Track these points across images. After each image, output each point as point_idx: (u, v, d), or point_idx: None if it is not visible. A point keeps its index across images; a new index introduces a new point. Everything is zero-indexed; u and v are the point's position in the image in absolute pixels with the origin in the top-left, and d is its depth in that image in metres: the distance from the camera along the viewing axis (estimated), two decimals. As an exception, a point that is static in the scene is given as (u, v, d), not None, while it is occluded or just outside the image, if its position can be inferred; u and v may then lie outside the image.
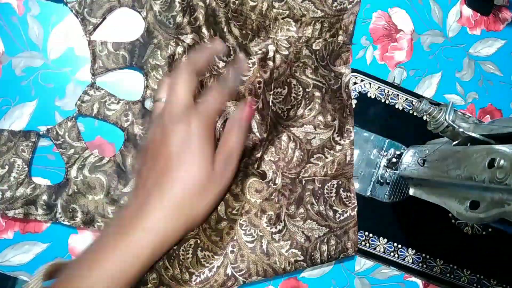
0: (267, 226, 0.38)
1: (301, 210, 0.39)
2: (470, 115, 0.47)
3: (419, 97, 0.45)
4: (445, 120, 0.32)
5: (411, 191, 0.39)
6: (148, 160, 0.32)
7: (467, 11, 0.48)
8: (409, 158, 0.39)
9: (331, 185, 0.41)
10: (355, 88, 0.44)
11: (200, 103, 0.32)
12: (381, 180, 0.43)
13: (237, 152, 0.34)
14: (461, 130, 0.31)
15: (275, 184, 0.39)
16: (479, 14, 0.48)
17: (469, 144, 0.31)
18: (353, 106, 0.44)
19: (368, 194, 0.43)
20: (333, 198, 0.40)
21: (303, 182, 0.40)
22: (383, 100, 0.45)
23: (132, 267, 0.29)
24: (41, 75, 0.40)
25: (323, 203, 0.40)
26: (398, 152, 0.43)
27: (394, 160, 0.43)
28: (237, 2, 0.41)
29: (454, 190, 0.30)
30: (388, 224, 0.43)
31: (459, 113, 0.32)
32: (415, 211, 0.43)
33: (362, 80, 0.44)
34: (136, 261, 0.29)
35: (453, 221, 0.44)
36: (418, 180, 0.37)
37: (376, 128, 0.44)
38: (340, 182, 0.41)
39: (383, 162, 0.44)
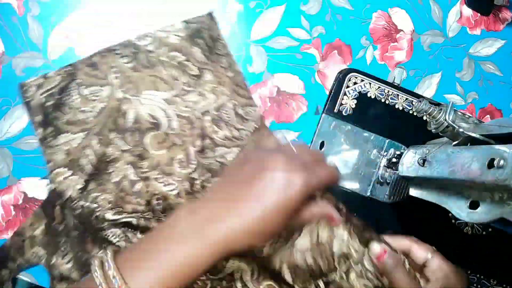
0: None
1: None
2: (470, 115, 0.47)
3: (419, 97, 0.45)
4: (445, 120, 0.32)
5: (411, 191, 0.39)
6: (248, 168, 0.31)
7: (467, 11, 0.48)
8: (409, 158, 0.39)
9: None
10: (355, 88, 0.44)
11: (318, 168, 0.31)
12: (381, 180, 0.43)
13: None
14: (461, 130, 0.31)
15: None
16: (479, 14, 0.48)
17: (469, 144, 0.31)
18: (353, 106, 0.44)
19: (368, 194, 0.43)
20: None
21: None
22: (383, 100, 0.45)
23: (198, 262, 0.28)
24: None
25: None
26: (398, 152, 0.43)
27: (394, 160, 0.43)
28: None
29: (454, 190, 0.30)
30: (388, 224, 0.43)
31: (459, 113, 0.32)
32: (415, 211, 0.43)
33: (362, 80, 0.44)
34: (205, 256, 0.28)
35: (453, 221, 0.44)
36: (418, 180, 0.37)
37: (376, 128, 0.44)
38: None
39: (383, 162, 0.44)
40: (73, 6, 0.40)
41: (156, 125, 0.40)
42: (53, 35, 0.40)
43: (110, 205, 0.38)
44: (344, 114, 0.44)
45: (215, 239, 0.28)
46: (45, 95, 0.38)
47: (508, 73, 0.49)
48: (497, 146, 0.26)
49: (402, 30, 0.46)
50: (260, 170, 0.30)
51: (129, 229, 0.38)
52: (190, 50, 0.40)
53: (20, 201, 0.39)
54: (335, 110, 0.44)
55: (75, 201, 0.38)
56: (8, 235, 0.39)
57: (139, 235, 0.38)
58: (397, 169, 0.42)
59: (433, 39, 0.47)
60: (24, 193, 0.39)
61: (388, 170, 0.43)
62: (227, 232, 0.29)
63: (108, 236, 0.38)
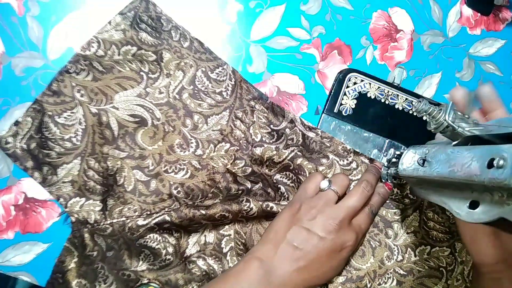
0: None
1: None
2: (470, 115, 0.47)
3: (419, 97, 0.45)
4: (445, 120, 0.32)
5: (411, 191, 0.39)
6: (296, 220, 0.37)
7: (467, 11, 0.48)
8: (409, 158, 0.39)
9: None
10: (355, 88, 0.44)
11: (357, 222, 0.38)
12: (382, 180, 0.43)
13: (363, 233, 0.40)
14: (461, 130, 0.31)
15: None
16: (479, 14, 0.48)
17: (469, 144, 0.31)
18: (353, 107, 0.44)
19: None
20: None
21: None
22: (383, 100, 0.45)
23: None
24: (41, 76, 0.40)
25: None
26: (398, 152, 0.43)
27: (394, 160, 0.43)
28: None
29: (454, 190, 0.30)
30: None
31: (459, 113, 0.32)
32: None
33: (362, 80, 0.44)
34: None
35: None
36: (418, 180, 0.37)
37: (376, 128, 0.44)
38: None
39: (383, 162, 0.44)
40: (73, 6, 0.40)
41: (141, 122, 0.40)
42: (52, 35, 0.40)
43: (137, 213, 0.39)
44: (344, 114, 0.44)
45: None
46: (24, 140, 0.38)
47: (508, 73, 0.49)
48: (497, 146, 0.26)
49: (402, 30, 0.46)
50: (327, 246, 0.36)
51: (165, 231, 0.39)
52: (138, 38, 0.40)
53: (20, 201, 0.39)
54: (335, 110, 0.44)
55: (102, 223, 0.38)
56: (8, 235, 0.39)
57: (175, 234, 0.40)
58: (397, 169, 0.42)
59: (433, 39, 0.47)
60: (24, 193, 0.39)
61: (388, 170, 0.43)
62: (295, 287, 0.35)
63: (147, 242, 0.39)
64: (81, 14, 0.40)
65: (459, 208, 0.29)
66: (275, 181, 0.42)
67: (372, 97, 0.44)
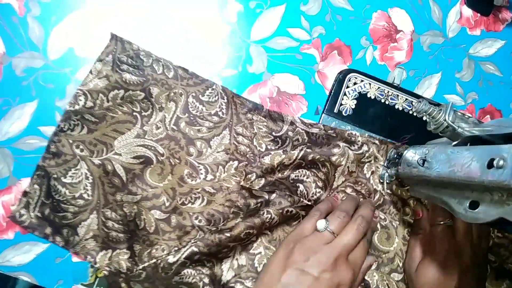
0: None
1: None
2: (470, 116, 0.47)
3: (419, 97, 0.45)
4: (445, 120, 0.32)
5: (411, 191, 0.39)
6: (290, 262, 0.36)
7: (467, 12, 0.48)
8: (409, 158, 0.39)
9: None
10: (355, 88, 0.44)
11: (353, 258, 0.38)
12: (381, 181, 0.43)
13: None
14: (460, 130, 0.31)
15: None
16: (479, 15, 0.49)
17: (468, 144, 0.31)
18: (353, 107, 0.44)
19: (368, 194, 0.43)
20: None
21: None
22: (383, 101, 0.45)
23: None
24: (41, 76, 0.40)
25: None
26: (398, 152, 0.43)
27: (394, 160, 0.43)
28: None
29: (454, 190, 0.30)
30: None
31: (459, 114, 0.32)
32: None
33: (362, 81, 0.44)
34: None
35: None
36: (418, 180, 0.37)
37: (376, 129, 0.44)
38: None
39: (384, 162, 0.44)
40: (74, 6, 0.40)
41: (146, 162, 0.39)
42: (53, 35, 0.40)
43: (165, 251, 0.39)
44: (344, 114, 0.44)
45: None
46: (37, 208, 0.38)
47: (508, 73, 0.49)
48: (497, 146, 0.26)
49: (402, 31, 0.46)
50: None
51: (197, 263, 0.39)
52: (123, 80, 0.39)
53: (20, 201, 0.39)
54: (335, 111, 0.44)
55: (134, 269, 0.38)
56: (8, 235, 0.39)
57: (207, 264, 0.40)
58: (397, 169, 0.42)
59: (433, 39, 0.47)
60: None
61: (388, 170, 0.43)
62: None
63: (183, 278, 0.39)
64: (81, 14, 0.40)
65: (459, 208, 0.29)
66: (291, 181, 0.42)
67: (372, 97, 0.45)
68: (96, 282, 0.40)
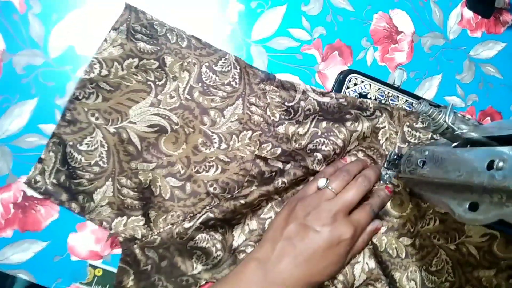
0: None
1: None
2: (470, 117, 0.47)
3: (419, 98, 0.45)
4: (445, 122, 0.32)
5: (411, 192, 0.39)
6: (292, 218, 0.38)
7: (468, 14, 0.48)
8: (409, 159, 0.39)
9: None
10: (355, 89, 0.44)
11: (355, 216, 0.38)
12: (381, 182, 0.43)
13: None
14: (460, 132, 0.31)
15: None
16: (480, 17, 0.49)
17: (468, 146, 0.31)
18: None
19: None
20: None
21: None
22: (383, 102, 0.45)
23: None
24: (41, 73, 0.40)
25: None
26: (398, 153, 0.43)
27: (394, 161, 0.43)
28: None
29: (454, 192, 0.30)
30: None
31: (459, 115, 0.32)
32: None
33: (362, 82, 0.44)
34: None
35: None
36: (417, 181, 0.37)
37: (376, 130, 0.44)
38: None
39: (384, 163, 0.44)
40: (75, 4, 0.40)
41: (161, 131, 0.40)
42: (54, 33, 0.40)
43: (180, 218, 0.40)
44: (344, 115, 0.44)
45: None
46: (53, 175, 0.38)
47: (508, 75, 0.49)
48: (497, 148, 0.26)
49: (402, 32, 0.46)
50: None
51: (211, 229, 0.40)
52: (137, 48, 0.39)
53: (20, 199, 0.39)
54: (335, 111, 0.44)
55: (149, 235, 0.39)
56: (7, 233, 0.39)
57: (220, 230, 0.41)
58: (397, 170, 0.42)
59: (433, 41, 0.47)
60: (24, 191, 0.39)
61: (388, 171, 0.43)
62: (296, 283, 0.35)
63: (198, 243, 0.40)
64: (83, 12, 0.40)
65: (458, 210, 0.29)
66: (308, 151, 0.42)
67: (373, 98, 0.44)
68: (94, 281, 0.40)
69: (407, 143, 0.37)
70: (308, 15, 0.44)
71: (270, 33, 0.44)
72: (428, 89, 0.47)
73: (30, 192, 0.39)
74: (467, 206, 0.28)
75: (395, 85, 0.45)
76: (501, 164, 0.24)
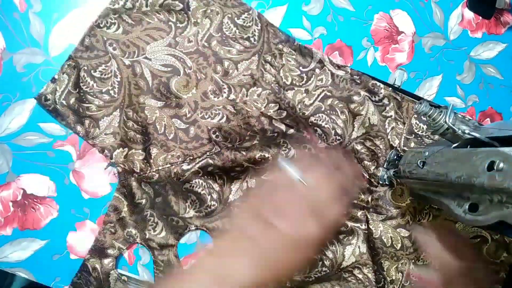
0: None
1: None
2: (470, 118, 0.47)
3: (419, 99, 0.45)
4: (445, 122, 0.32)
5: (411, 193, 0.39)
6: (259, 214, 0.35)
7: (469, 14, 0.48)
8: (409, 159, 0.39)
9: None
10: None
11: (324, 210, 0.35)
12: (380, 182, 0.43)
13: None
14: (461, 132, 0.31)
15: None
16: (480, 17, 0.48)
17: (468, 146, 0.31)
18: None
19: (367, 195, 0.43)
20: None
21: None
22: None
23: None
24: (42, 72, 0.40)
25: None
26: (398, 154, 0.43)
27: (394, 161, 0.43)
28: None
29: (454, 192, 0.30)
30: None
31: (459, 116, 0.32)
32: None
33: (363, 82, 0.44)
34: None
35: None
36: (417, 182, 0.37)
37: (376, 130, 0.44)
38: None
39: (384, 163, 0.44)
40: (75, 3, 0.40)
41: (174, 72, 0.41)
42: (54, 31, 0.40)
43: (180, 159, 0.41)
44: (344, 115, 0.44)
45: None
46: (63, 96, 0.39)
47: (508, 76, 0.49)
48: (497, 149, 0.26)
49: (403, 32, 0.46)
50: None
51: (209, 176, 0.41)
52: None
53: (19, 197, 0.39)
54: (336, 111, 0.44)
55: (148, 171, 0.40)
56: (6, 231, 0.39)
57: (218, 181, 0.42)
58: (396, 171, 0.42)
59: (434, 41, 0.47)
60: (23, 189, 0.39)
61: (388, 171, 0.43)
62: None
63: (193, 186, 0.41)
64: (83, 11, 0.40)
65: (458, 211, 0.29)
66: (310, 123, 0.43)
67: (373, 98, 0.44)
68: (93, 280, 0.40)
69: (413, 135, 0.36)
70: (309, 15, 0.44)
71: (271, 32, 0.44)
72: (429, 90, 0.47)
73: (30, 190, 0.39)
74: (467, 207, 0.28)
75: (396, 85, 0.45)
76: (501, 165, 0.24)
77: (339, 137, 0.42)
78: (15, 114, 0.39)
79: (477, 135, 0.30)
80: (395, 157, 0.43)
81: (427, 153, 0.35)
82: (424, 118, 0.34)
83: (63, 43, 0.40)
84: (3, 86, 0.39)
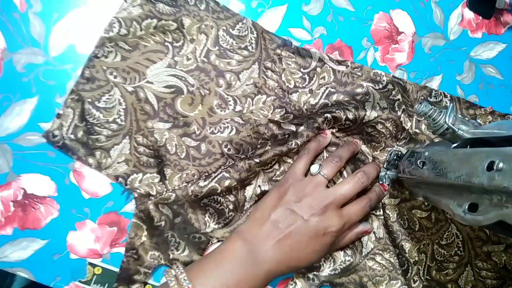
0: None
1: None
2: (470, 118, 0.47)
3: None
4: (445, 122, 0.32)
5: (411, 193, 0.40)
6: (283, 202, 0.38)
7: (469, 14, 0.48)
8: (409, 160, 0.39)
9: None
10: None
11: (347, 211, 0.39)
12: (380, 182, 0.43)
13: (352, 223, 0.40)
14: (461, 132, 0.31)
15: None
16: (480, 17, 0.49)
17: (468, 146, 0.31)
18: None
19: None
20: None
21: None
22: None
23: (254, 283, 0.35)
24: (42, 72, 0.40)
25: None
26: (398, 154, 0.43)
27: (394, 161, 0.43)
28: None
29: (453, 192, 0.30)
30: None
31: (459, 116, 0.32)
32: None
33: (363, 82, 0.44)
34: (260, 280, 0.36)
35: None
36: (417, 182, 0.37)
37: (376, 130, 0.44)
38: None
39: (383, 163, 0.44)
40: (75, 3, 0.40)
41: (177, 92, 0.41)
42: (54, 31, 0.40)
43: (195, 176, 0.41)
44: (344, 115, 0.44)
45: (267, 269, 0.35)
46: (71, 130, 0.39)
47: (508, 76, 0.49)
48: (497, 149, 0.26)
49: (403, 32, 0.46)
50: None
51: (226, 193, 0.41)
52: (156, 9, 0.40)
53: (20, 197, 0.39)
54: (336, 111, 0.44)
55: (164, 192, 0.40)
56: (6, 231, 0.39)
57: (233, 192, 0.42)
58: (396, 171, 0.42)
59: (434, 41, 0.47)
60: (24, 189, 0.39)
61: (388, 171, 0.43)
62: (277, 265, 0.36)
63: (211, 202, 0.41)
64: (83, 11, 0.40)
65: (458, 211, 0.29)
66: (319, 113, 0.43)
67: (373, 98, 0.44)
68: (93, 279, 0.40)
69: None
70: (309, 14, 0.44)
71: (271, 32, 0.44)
72: (429, 90, 0.47)
73: (30, 190, 0.39)
74: (466, 207, 0.28)
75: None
76: (501, 165, 0.24)
77: (349, 122, 0.43)
78: (15, 114, 0.39)
79: (477, 135, 0.30)
80: (395, 157, 0.43)
81: (427, 153, 0.35)
82: (424, 119, 0.34)
83: (63, 43, 0.40)
84: (3, 86, 0.39)
